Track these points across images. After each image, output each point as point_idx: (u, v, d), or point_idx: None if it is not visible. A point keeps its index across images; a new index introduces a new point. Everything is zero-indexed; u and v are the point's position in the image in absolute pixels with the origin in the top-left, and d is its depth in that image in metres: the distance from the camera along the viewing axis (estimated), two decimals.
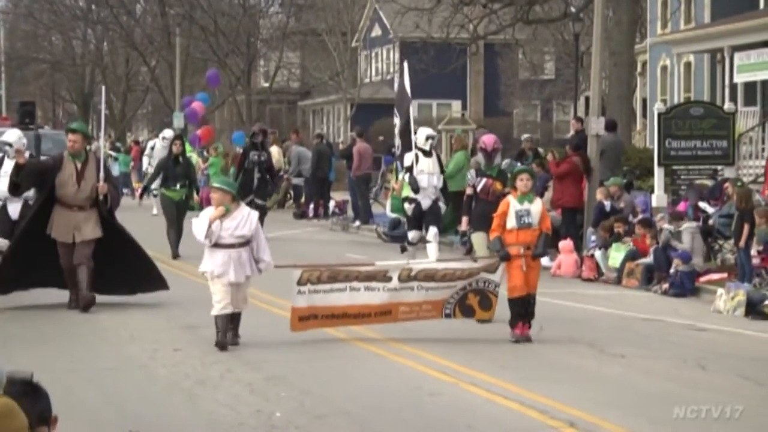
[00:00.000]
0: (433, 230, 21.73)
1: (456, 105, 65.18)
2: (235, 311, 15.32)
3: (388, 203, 33.19)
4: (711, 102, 35.09)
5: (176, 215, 25.55)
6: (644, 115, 45.78)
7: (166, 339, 16.10)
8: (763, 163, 30.08)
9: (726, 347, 16.56)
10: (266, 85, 70.80)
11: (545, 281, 19.76)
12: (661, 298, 21.31)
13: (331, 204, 38.20)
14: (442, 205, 22.68)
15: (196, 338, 16.13)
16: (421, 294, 16.11)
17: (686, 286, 21.40)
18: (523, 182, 15.99)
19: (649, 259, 22.41)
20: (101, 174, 18.04)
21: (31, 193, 19.55)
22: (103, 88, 25.50)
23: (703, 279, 21.70)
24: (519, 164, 22.06)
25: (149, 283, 18.85)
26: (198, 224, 15.21)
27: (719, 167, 29.09)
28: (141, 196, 35.96)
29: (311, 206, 38.66)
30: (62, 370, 13.08)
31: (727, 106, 32.51)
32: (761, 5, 36.85)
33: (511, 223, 15.87)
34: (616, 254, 23.38)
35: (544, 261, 20.64)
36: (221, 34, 63.84)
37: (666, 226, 22.84)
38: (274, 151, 44.05)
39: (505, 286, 16.10)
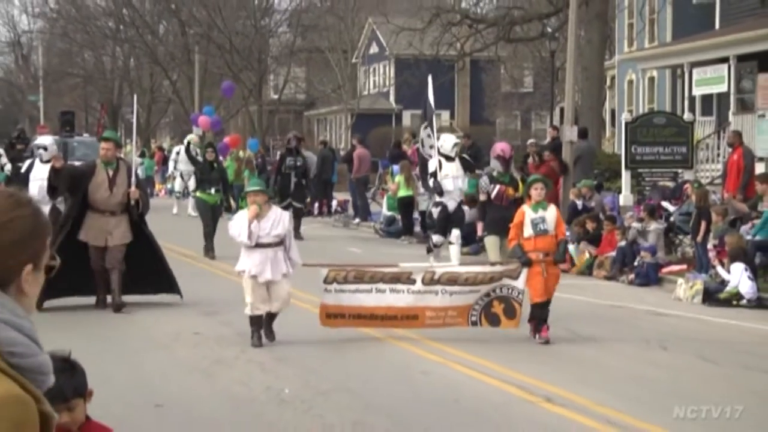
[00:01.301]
0: (456, 232, 21.11)
1: (445, 114, 65.09)
2: (272, 311, 14.43)
3: (384, 202, 33.27)
4: (672, 112, 35.08)
5: (211, 217, 24.41)
6: (612, 124, 45.74)
7: (187, 324, 16.04)
8: (719, 166, 30.09)
9: (685, 331, 16.57)
10: (275, 96, 70.75)
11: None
12: (627, 287, 21.29)
13: (334, 203, 38.17)
14: (465, 207, 22.03)
15: (214, 323, 16.13)
16: (446, 298, 14.94)
17: (651, 277, 21.45)
18: (537, 191, 14.98)
19: (614, 252, 22.44)
20: (132, 179, 17.23)
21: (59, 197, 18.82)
22: (135, 97, 24.67)
23: (665, 270, 21.72)
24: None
25: (169, 286, 17.73)
26: (236, 226, 14.36)
27: (679, 170, 29.15)
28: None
29: (316, 205, 38.63)
30: (94, 351, 13.04)
31: (687, 116, 32.51)
32: (717, 26, 36.81)
33: (528, 231, 14.83)
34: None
35: None
36: (235, 52, 63.77)
37: (634, 224, 22.90)
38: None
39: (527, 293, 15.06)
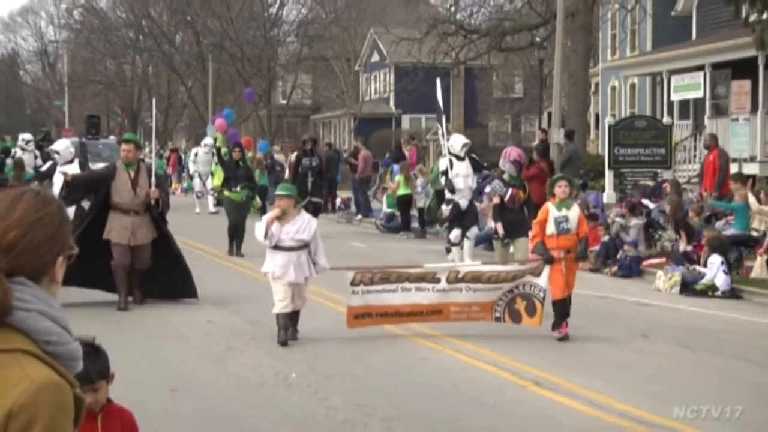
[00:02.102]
0: (474, 230, 20.79)
1: None
2: (294, 309, 13.86)
3: (384, 200, 33.28)
4: (652, 116, 35.07)
5: (238, 215, 23.52)
6: (597, 127, 45.75)
7: (201, 313, 16.03)
8: (695, 167, 30.08)
9: (665, 320, 16.55)
10: (284, 102, 70.88)
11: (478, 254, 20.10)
12: (611, 279, 21.29)
13: (338, 201, 38.18)
14: (477, 204, 21.40)
15: (226, 313, 16.09)
16: (469, 295, 14.32)
17: (632, 269, 21.46)
18: (561, 189, 14.16)
19: (597, 246, 22.43)
20: (153, 180, 16.49)
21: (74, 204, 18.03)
22: (154, 101, 23.97)
23: (645, 263, 21.72)
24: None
25: (181, 290, 16.87)
26: (259, 226, 13.82)
27: (659, 170, 29.16)
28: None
29: (323, 201, 38.63)
30: (113, 338, 13.02)
31: (665, 119, 32.55)
32: (693, 36, 36.81)
33: (551, 229, 14.02)
34: None
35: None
36: (246, 60, 63.88)
37: (618, 219, 22.91)
38: (293, 156, 44.16)
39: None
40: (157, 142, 64.40)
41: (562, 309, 14.09)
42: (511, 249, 17.88)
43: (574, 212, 14.22)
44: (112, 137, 54.52)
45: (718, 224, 21.66)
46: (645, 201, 25.34)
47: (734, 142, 29.11)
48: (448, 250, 21.03)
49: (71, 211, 17.65)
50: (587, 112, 41.09)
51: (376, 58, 70.33)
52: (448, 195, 20.80)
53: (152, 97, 76.16)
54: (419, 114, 65.33)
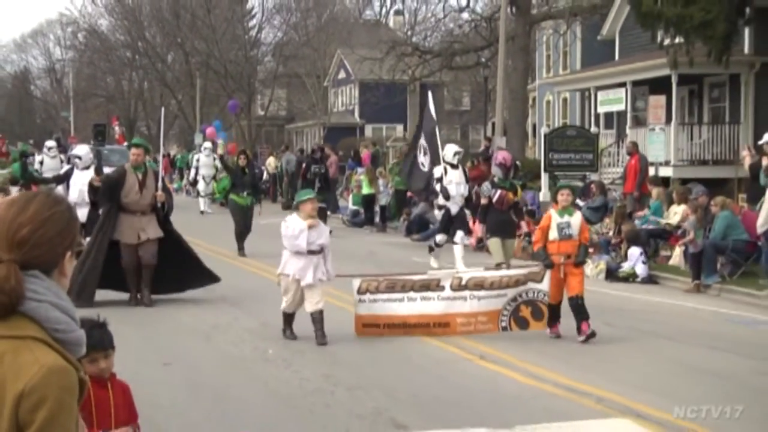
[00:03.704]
0: (460, 234, 19.48)
1: (399, 128, 65.17)
2: (313, 310, 12.54)
3: (350, 199, 33.30)
4: (581, 126, 35.22)
5: (244, 218, 22.22)
6: (534, 135, 45.93)
7: (191, 296, 15.95)
8: (619, 170, 30.24)
9: (592, 302, 16.53)
10: (262, 113, 70.75)
11: (467, 256, 19.87)
12: (481, 254, 21.29)
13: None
14: (467, 211, 20.34)
15: (213, 296, 15.99)
16: (474, 303, 13.02)
17: None
18: (563, 197, 13.08)
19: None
20: (159, 183, 15.63)
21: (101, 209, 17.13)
22: (162, 111, 21.81)
23: (536, 247, 21.77)
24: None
25: (198, 280, 15.87)
26: (295, 232, 12.44)
27: (587, 173, 29.29)
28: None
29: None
30: (112, 318, 13.00)
31: (593, 129, 32.67)
32: (616, 57, 37.00)
33: (553, 234, 12.94)
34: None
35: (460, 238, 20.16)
36: (229, 77, 63.76)
37: None
38: (271, 160, 44.12)
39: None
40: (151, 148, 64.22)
41: (558, 311, 13.05)
42: (494, 246, 16.90)
43: (576, 219, 13.14)
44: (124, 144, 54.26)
45: (638, 221, 21.80)
46: (577, 201, 25.46)
47: (651, 148, 29.29)
48: (431, 249, 20.06)
49: (84, 213, 17.17)
50: (526, 122, 41.21)
51: (342, 75, 70.27)
52: (441, 201, 19.71)
53: (146, 109, 76.37)
54: (381, 124, 65.46)
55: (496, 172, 17.19)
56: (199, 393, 10.35)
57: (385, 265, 17.64)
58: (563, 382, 10.73)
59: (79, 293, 13.81)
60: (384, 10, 66.84)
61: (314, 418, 9.33)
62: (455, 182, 19.51)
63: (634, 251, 19.36)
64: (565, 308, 13.05)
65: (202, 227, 26.97)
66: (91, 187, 16.12)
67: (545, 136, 29.63)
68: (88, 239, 15.73)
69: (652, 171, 26.60)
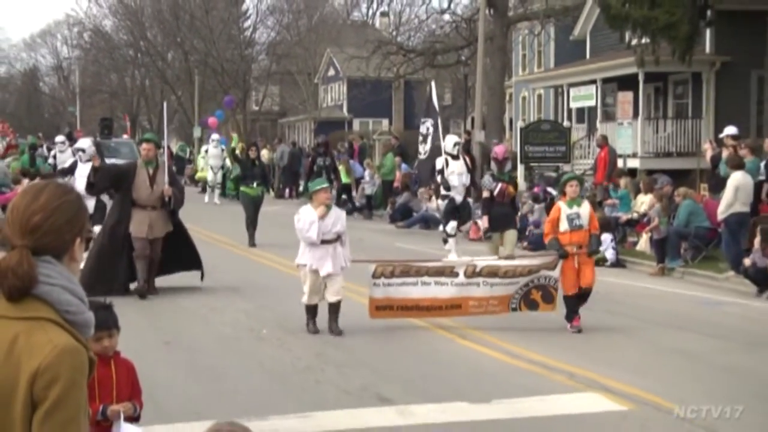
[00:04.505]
0: (452, 224, 18.70)
1: (385, 122, 65.07)
2: (333, 300, 11.90)
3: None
4: (555, 121, 35.28)
5: (253, 209, 21.38)
6: (511, 129, 45.94)
7: (189, 282, 15.88)
8: (590, 161, 30.31)
9: None
10: (256, 108, 70.65)
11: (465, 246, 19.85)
12: (521, 251, 21.36)
13: (300, 188, 38.08)
14: (470, 200, 19.50)
15: (212, 281, 15.93)
16: (487, 290, 12.40)
17: (539, 244, 21.49)
18: (572, 188, 12.48)
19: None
20: (166, 178, 14.80)
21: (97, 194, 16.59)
22: (165, 105, 20.58)
23: (548, 239, 21.83)
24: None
25: (188, 264, 15.38)
26: (306, 223, 11.75)
27: (560, 164, 29.37)
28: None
29: (287, 190, 38.59)
30: (117, 302, 13.01)
31: (565, 123, 32.74)
32: (588, 56, 37.02)
33: (564, 225, 12.37)
34: None
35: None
36: (226, 74, 63.61)
37: (527, 205, 23.05)
38: (265, 152, 44.04)
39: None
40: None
41: (575, 303, 12.38)
42: (501, 241, 16.41)
43: (585, 209, 12.56)
44: (125, 136, 54.03)
45: (607, 209, 21.84)
46: (549, 189, 25.49)
47: (620, 141, 29.33)
48: (445, 241, 19.07)
49: (91, 203, 16.64)
50: (503, 117, 41.15)
51: (332, 72, 70.13)
52: (443, 191, 18.95)
53: (148, 104, 76.17)
54: (367, 118, 65.36)
55: (494, 166, 16.71)
56: (196, 371, 10.34)
57: (371, 250, 17.61)
58: (538, 359, 10.77)
59: (93, 285, 13.06)
60: (371, 11, 66.74)
61: (305, 394, 9.34)
62: (457, 173, 18.80)
63: (605, 237, 19.39)
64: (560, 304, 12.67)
65: (211, 218, 26.91)
66: (93, 168, 15.33)
67: (521, 129, 29.71)
68: (96, 228, 15.36)
69: (620, 163, 26.66)
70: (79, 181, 16.79)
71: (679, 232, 18.38)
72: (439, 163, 18.84)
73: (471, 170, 19.35)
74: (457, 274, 12.37)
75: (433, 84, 21.28)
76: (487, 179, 16.64)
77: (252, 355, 11.05)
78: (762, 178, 18.24)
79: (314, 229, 11.63)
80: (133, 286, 14.82)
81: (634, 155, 30.00)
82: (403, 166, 30.53)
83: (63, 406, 2.77)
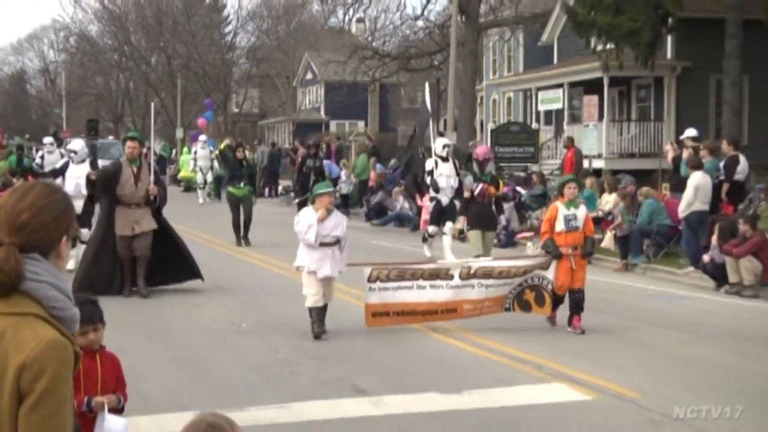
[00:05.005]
0: (449, 224, 18.36)
1: (361, 124, 65.01)
2: (324, 303, 11.52)
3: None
4: (524, 123, 35.39)
5: (240, 209, 20.70)
6: (482, 131, 46.04)
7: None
8: (557, 161, 30.41)
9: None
10: (237, 110, 70.49)
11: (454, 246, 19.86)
12: (464, 244, 21.32)
13: (280, 188, 38.04)
14: (456, 202, 18.88)
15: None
16: (482, 291, 11.99)
17: (509, 240, 21.64)
18: (570, 190, 12.18)
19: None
20: (151, 177, 14.41)
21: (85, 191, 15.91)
22: (153, 104, 19.91)
23: (519, 236, 21.93)
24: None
25: (184, 274, 14.79)
26: (305, 225, 11.33)
27: (529, 164, 29.46)
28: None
29: (267, 189, 38.52)
30: (104, 298, 12.96)
31: (534, 125, 32.88)
32: (555, 61, 37.16)
33: (560, 226, 12.00)
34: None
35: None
36: (207, 77, 63.46)
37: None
38: (246, 153, 43.81)
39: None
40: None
41: (572, 302, 11.99)
42: (474, 239, 15.89)
43: (581, 211, 12.22)
44: (111, 137, 53.66)
45: None
46: (518, 188, 25.58)
47: (586, 143, 29.49)
48: (425, 239, 18.90)
49: (79, 204, 16.01)
50: (474, 119, 41.26)
51: (309, 76, 70.02)
52: (432, 193, 18.56)
53: (132, 107, 75.82)
54: (344, 120, 65.31)
55: (474, 166, 16.29)
56: (180, 363, 10.32)
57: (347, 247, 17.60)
58: (508, 351, 10.81)
59: (90, 286, 12.62)
60: (347, 17, 66.65)
61: (283, 385, 9.34)
62: (445, 175, 18.38)
63: None
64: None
65: (198, 217, 26.81)
66: (89, 181, 14.95)
67: (492, 131, 29.79)
68: (84, 230, 15.07)
69: (586, 163, 26.78)
70: (69, 182, 16.42)
71: (642, 230, 18.48)
72: (429, 164, 18.56)
73: (460, 173, 18.99)
74: (452, 277, 11.98)
75: (427, 86, 21.21)
76: (468, 179, 16.28)
77: (233, 348, 11.04)
78: (721, 178, 18.37)
79: (312, 232, 11.23)
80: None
81: (599, 156, 30.16)
82: (378, 166, 30.52)
83: (49, 398, 2.77)
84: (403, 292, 11.81)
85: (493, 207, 15.99)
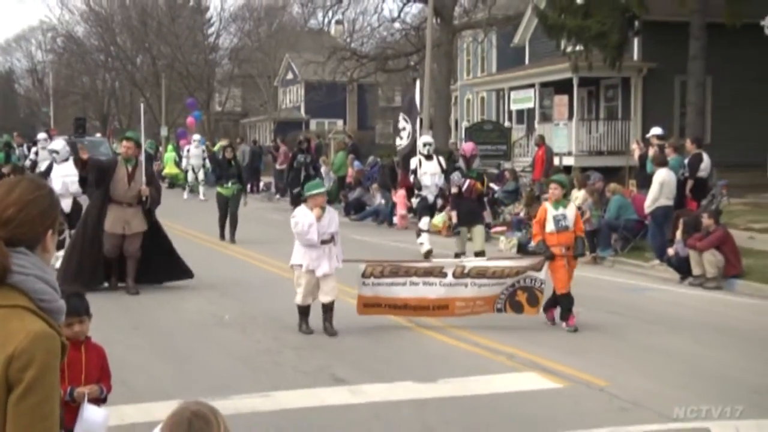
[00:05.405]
0: (425, 219, 18.22)
1: (339, 122, 65.01)
2: (327, 300, 11.14)
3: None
4: (497, 121, 35.46)
5: (226, 207, 20.38)
6: (456, 129, 46.11)
7: None
8: (528, 159, 30.49)
9: None
10: (220, 109, 70.30)
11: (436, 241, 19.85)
12: (468, 243, 21.40)
13: (261, 184, 37.94)
14: (439, 200, 18.78)
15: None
16: (474, 290, 11.66)
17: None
18: (552, 191, 11.84)
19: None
20: (143, 177, 14.03)
21: (75, 188, 15.78)
22: (142, 105, 19.29)
23: (493, 230, 21.93)
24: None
25: (174, 274, 14.49)
26: (304, 225, 10.89)
27: (501, 162, 29.51)
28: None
29: (248, 185, 38.36)
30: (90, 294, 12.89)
31: (506, 124, 32.95)
32: (527, 62, 37.25)
33: (550, 226, 11.65)
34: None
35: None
36: (191, 77, 63.24)
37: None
38: (236, 153, 43.54)
39: (550, 284, 11.83)
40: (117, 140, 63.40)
41: (569, 301, 11.70)
42: (469, 235, 15.89)
43: (571, 211, 11.83)
44: (98, 135, 53.32)
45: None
46: (491, 185, 25.59)
47: (556, 141, 29.61)
48: (419, 234, 18.58)
49: (68, 203, 15.91)
50: (449, 118, 41.27)
51: (290, 76, 69.89)
52: (416, 191, 18.39)
53: (118, 106, 75.41)
54: (323, 119, 65.25)
55: (460, 163, 16.21)
56: (164, 354, 10.28)
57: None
58: (482, 342, 10.83)
59: (73, 279, 12.76)
60: (326, 19, 66.61)
61: (265, 375, 9.32)
62: (429, 173, 18.23)
63: None
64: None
65: (183, 213, 26.66)
66: (82, 162, 14.06)
67: (466, 129, 29.84)
68: (73, 231, 14.79)
69: (556, 160, 26.86)
70: (55, 182, 15.95)
71: (610, 225, 18.56)
72: (413, 163, 18.39)
73: (444, 171, 18.75)
74: (445, 275, 11.63)
75: (418, 83, 21.15)
76: (455, 176, 16.14)
77: (216, 339, 11.01)
78: (685, 175, 18.47)
79: (314, 231, 10.87)
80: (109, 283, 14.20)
81: (569, 153, 30.28)
82: (356, 163, 30.50)
83: (37, 388, 2.76)
84: (396, 288, 11.52)
85: (485, 202, 15.96)
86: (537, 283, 11.74)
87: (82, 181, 14.70)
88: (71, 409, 5.15)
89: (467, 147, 16.68)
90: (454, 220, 16.01)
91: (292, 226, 11.12)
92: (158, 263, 14.25)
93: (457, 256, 15.00)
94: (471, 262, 12.16)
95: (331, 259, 11.06)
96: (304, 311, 11.27)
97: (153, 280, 14.33)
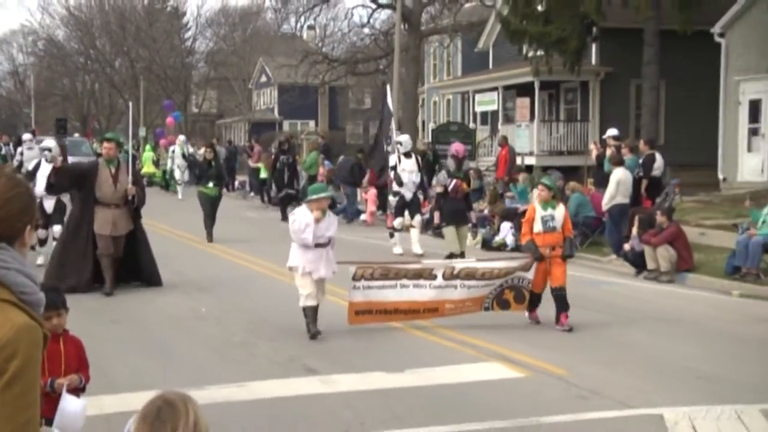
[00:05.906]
0: (417, 218, 17.97)
1: (311, 123, 64.89)
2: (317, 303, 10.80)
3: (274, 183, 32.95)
4: (462, 122, 35.53)
5: (211, 207, 19.92)
6: (423, 130, 46.17)
7: None
8: (492, 158, 30.58)
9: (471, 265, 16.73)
10: (196, 110, 70.00)
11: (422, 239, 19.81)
12: (435, 240, 21.43)
13: (236, 183, 37.80)
14: (420, 196, 18.47)
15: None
16: (464, 292, 11.30)
17: None
18: (539, 193, 11.62)
19: (426, 215, 22.49)
20: (129, 178, 13.60)
21: (40, 189, 14.65)
22: (131, 105, 18.46)
23: (525, 239, 21.81)
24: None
25: (149, 277, 14.02)
26: (301, 226, 10.50)
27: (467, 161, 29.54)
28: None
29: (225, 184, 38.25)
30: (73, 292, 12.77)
31: (471, 125, 33.02)
32: (491, 66, 37.34)
33: (538, 227, 11.28)
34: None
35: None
36: (168, 79, 62.95)
37: (438, 189, 23.04)
38: (203, 151, 43.35)
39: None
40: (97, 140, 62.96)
41: (559, 299, 11.28)
42: (449, 236, 15.52)
43: (559, 212, 11.43)
44: (77, 135, 52.88)
45: (507, 201, 22.05)
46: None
47: (519, 141, 29.71)
48: (392, 235, 18.33)
49: (51, 203, 15.50)
50: (416, 119, 41.36)
51: (264, 78, 69.69)
52: (395, 188, 18.00)
53: (98, 107, 74.86)
54: (296, 120, 65.10)
55: (449, 162, 15.85)
56: (142, 346, 10.22)
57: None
58: (448, 334, 10.85)
59: (60, 282, 12.05)
60: (299, 25, 66.50)
61: (240, 366, 9.29)
62: (408, 170, 17.91)
63: (505, 225, 19.61)
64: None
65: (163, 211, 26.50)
66: (53, 170, 13.79)
67: (432, 130, 29.88)
68: (56, 227, 14.49)
69: (519, 160, 26.96)
70: (41, 181, 15.18)
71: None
72: (392, 160, 18.22)
73: (422, 169, 18.57)
74: (435, 277, 11.24)
75: (388, 87, 21.17)
76: (442, 175, 15.86)
77: (192, 331, 10.96)
78: (640, 174, 18.59)
79: (309, 232, 10.48)
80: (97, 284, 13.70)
81: (531, 153, 30.40)
82: (327, 162, 30.45)
83: (22, 377, 2.75)
84: (387, 291, 11.10)
85: (470, 202, 15.66)
86: (524, 282, 11.47)
87: (49, 186, 14.03)
88: (51, 400, 5.12)
89: (459, 148, 16.47)
90: (437, 220, 15.71)
91: (289, 223, 10.83)
92: (135, 264, 13.89)
93: (452, 256, 14.76)
94: (460, 264, 11.81)
95: (329, 262, 10.70)
96: (311, 313, 10.70)
97: (127, 279, 13.91)
